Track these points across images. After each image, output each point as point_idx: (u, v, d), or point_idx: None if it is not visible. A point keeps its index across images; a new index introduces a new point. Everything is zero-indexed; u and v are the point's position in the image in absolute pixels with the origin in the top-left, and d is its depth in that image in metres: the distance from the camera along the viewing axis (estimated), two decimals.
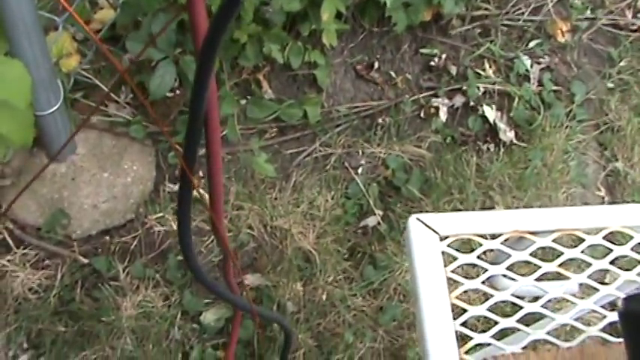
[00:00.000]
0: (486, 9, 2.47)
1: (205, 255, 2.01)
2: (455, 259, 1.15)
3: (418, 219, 1.15)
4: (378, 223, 2.11)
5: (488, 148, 2.27)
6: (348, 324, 1.97)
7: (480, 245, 1.19)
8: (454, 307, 1.12)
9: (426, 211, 2.11)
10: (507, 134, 2.29)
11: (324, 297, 2.00)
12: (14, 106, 1.58)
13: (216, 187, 0.88)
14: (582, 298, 1.22)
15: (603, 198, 2.31)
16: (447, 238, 1.16)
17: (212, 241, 2.02)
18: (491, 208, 2.16)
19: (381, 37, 2.38)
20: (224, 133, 2.11)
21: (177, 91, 2.12)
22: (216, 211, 0.91)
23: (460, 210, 2.14)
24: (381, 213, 2.13)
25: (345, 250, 2.07)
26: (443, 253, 1.14)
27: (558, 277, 1.22)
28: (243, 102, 2.18)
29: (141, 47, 1.94)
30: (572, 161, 2.30)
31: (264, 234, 2.04)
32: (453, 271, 1.13)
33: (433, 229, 1.15)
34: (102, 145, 2.11)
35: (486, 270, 1.17)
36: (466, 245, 1.34)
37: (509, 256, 1.18)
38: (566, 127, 2.34)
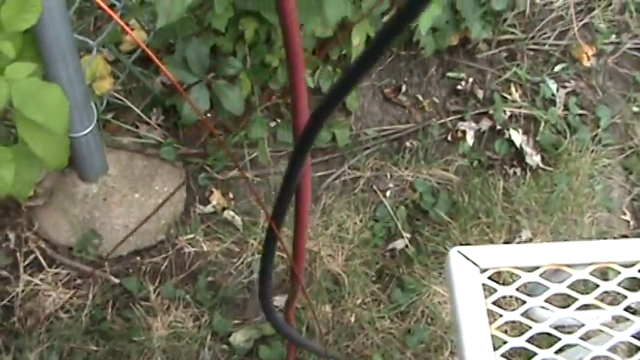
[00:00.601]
0: (512, 33, 2.49)
1: (235, 276, 2.03)
2: (494, 290, 1.17)
3: (459, 252, 1.17)
4: (406, 246, 2.13)
5: (514, 172, 2.29)
6: (377, 346, 1.99)
7: (518, 277, 1.21)
8: (493, 337, 1.14)
9: (453, 235, 2.13)
10: (534, 158, 2.30)
11: (352, 319, 2.01)
12: (51, 130, 1.61)
13: (301, 240, 0.94)
14: (611, 327, 1.24)
15: (629, 222, 2.32)
16: (486, 270, 1.18)
17: (242, 262, 2.04)
18: (518, 232, 2.18)
19: (409, 61, 2.40)
20: (254, 155, 2.13)
21: (209, 114, 2.15)
22: (298, 265, 0.98)
23: (487, 234, 2.15)
24: (408, 236, 2.15)
25: (374, 272, 2.09)
26: (483, 285, 1.16)
27: (588, 306, 1.24)
28: (272, 124, 2.21)
29: (175, 71, 1.97)
30: (597, 186, 2.31)
31: None
32: (493, 303, 1.15)
33: (473, 262, 1.17)
34: (133, 166, 2.14)
35: (524, 302, 1.19)
36: (498, 275, 1.36)
37: (547, 288, 1.20)
38: (592, 151, 2.35)
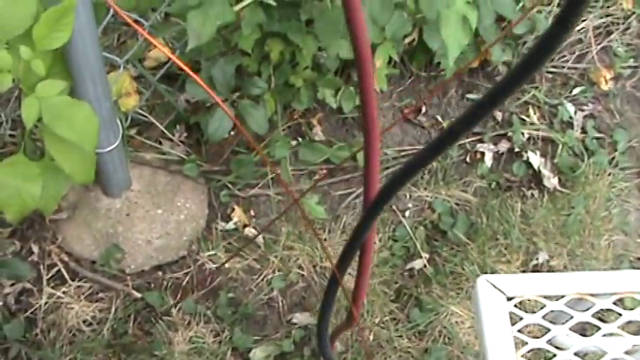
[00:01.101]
0: None
1: (256, 293, 2.06)
2: (520, 318, 1.20)
3: (487, 280, 1.19)
4: (425, 266, 2.15)
5: (532, 194, 2.31)
6: None
7: (543, 305, 1.23)
8: None
9: (471, 256, 2.15)
10: (551, 181, 2.32)
11: (371, 337, 2.04)
12: (81, 147, 1.63)
13: (362, 285, 1.10)
14: (629, 353, 1.26)
15: None
16: (513, 298, 1.21)
17: (262, 279, 2.07)
18: (535, 254, 2.20)
19: (429, 82, 2.43)
20: (277, 173, 2.16)
21: (232, 132, 2.18)
22: (356, 308, 1.16)
23: (505, 255, 2.17)
24: (427, 256, 2.17)
25: (392, 291, 2.11)
26: (509, 313, 1.19)
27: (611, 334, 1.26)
28: (294, 143, 2.23)
29: (201, 90, 2.00)
30: (614, 209, 2.33)
31: (313, 274, 2.09)
32: (519, 331, 1.17)
33: (500, 290, 1.19)
34: (156, 182, 2.16)
35: (548, 330, 1.22)
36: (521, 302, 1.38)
37: (571, 317, 1.22)
38: (609, 174, 2.37)
